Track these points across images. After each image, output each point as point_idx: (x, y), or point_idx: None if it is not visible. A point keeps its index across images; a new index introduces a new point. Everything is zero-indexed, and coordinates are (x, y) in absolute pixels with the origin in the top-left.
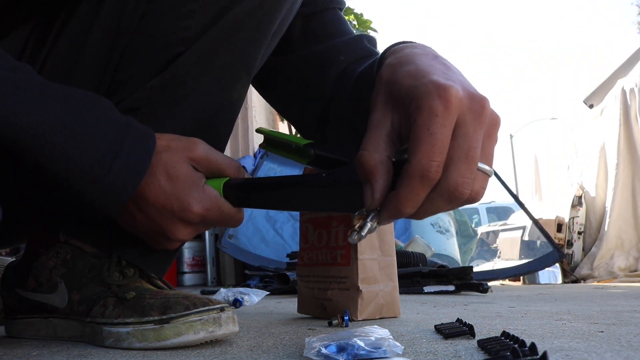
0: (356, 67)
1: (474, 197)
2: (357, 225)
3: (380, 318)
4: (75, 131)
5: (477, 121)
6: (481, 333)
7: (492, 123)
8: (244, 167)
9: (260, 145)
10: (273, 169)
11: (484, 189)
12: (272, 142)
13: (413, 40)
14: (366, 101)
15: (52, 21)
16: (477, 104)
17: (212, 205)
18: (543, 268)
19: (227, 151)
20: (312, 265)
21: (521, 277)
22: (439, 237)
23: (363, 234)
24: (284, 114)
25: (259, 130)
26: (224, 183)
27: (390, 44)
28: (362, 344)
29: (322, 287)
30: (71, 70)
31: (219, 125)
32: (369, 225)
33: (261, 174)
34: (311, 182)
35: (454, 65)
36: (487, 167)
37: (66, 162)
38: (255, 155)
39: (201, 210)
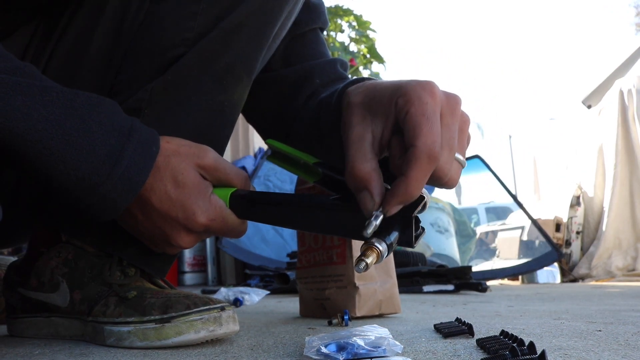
0: (323, 91)
1: (451, 184)
2: (364, 255)
3: (380, 315)
4: (73, 137)
5: (453, 115)
6: (480, 332)
7: (464, 120)
8: (244, 167)
9: (267, 157)
10: (273, 169)
11: (459, 177)
12: (280, 156)
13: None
14: (324, 126)
15: (56, 22)
16: (453, 100)
17: (217, 216)
18: (541, 267)
19: (228, 151)
20: (310, 267)
21: (520, 277)
22: (438, 236)
23: (368, 261)
24: (253, 125)
25: (268, 142)
26: (230, 194)
27: (349, 80)
28: (361, 343)
29: (320, 287)
30: (74, 71)
31: (220, 126)
32: (374, 224)
33: (261, 174)
34: (318, 204)
35: None
36: (462, 158)
37: (63, 168)
38: (255, 156)
39: (206, 220)
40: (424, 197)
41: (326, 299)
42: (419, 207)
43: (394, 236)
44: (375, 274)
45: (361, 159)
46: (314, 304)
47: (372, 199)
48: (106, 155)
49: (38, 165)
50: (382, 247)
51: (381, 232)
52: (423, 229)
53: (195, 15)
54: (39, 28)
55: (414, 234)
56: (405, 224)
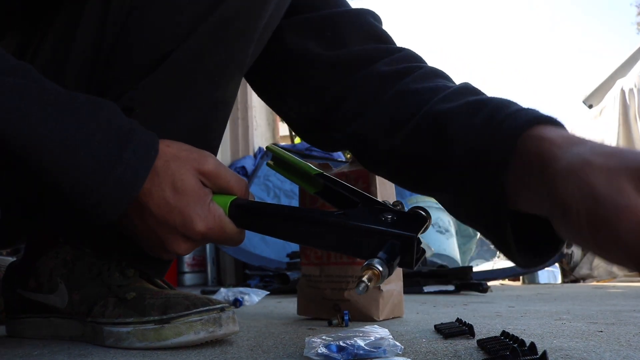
0: (384, 68)
1: None
2: (366, 276)
3: (393, 318)
4: (71, 139)
5: None
6: (481, 333)
7: None
8: (244, 167)
9: (267, 164)
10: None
11: None
12: (280, 163)
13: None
14: (450, 150)
15: (37, 25)
16: None
17: (216, 225)
18: (542, 268)
19: (227, 151)
20: (324, 265)
21: (521, 277)
22: (438, 237)
23: (369, 283)
24: (277, 109)
25: (269, 149)
26: (230, 202)
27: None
28: (362, 343)
29: (337, 287)
30: (59, 69)
31: (213, 123)
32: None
33: (261, 174)
34: (320, 220)
35: None
36: None
37: (59, 171)
38: (255, 156)
39: (204, 229)
40: (426, 219)
41: (344, 300)
42: (422, 229)
43: (396, 258)
44: (392, 276)
45: None
46: (323, 302)
47: None
48: (104, 158)
49: (34, 167)
50: (383, 268)
51: (383, 253)
52: (424, 250)
53: (181, 9)
54: (23, 28)
55: (415, 257)
56: (408, 245)
